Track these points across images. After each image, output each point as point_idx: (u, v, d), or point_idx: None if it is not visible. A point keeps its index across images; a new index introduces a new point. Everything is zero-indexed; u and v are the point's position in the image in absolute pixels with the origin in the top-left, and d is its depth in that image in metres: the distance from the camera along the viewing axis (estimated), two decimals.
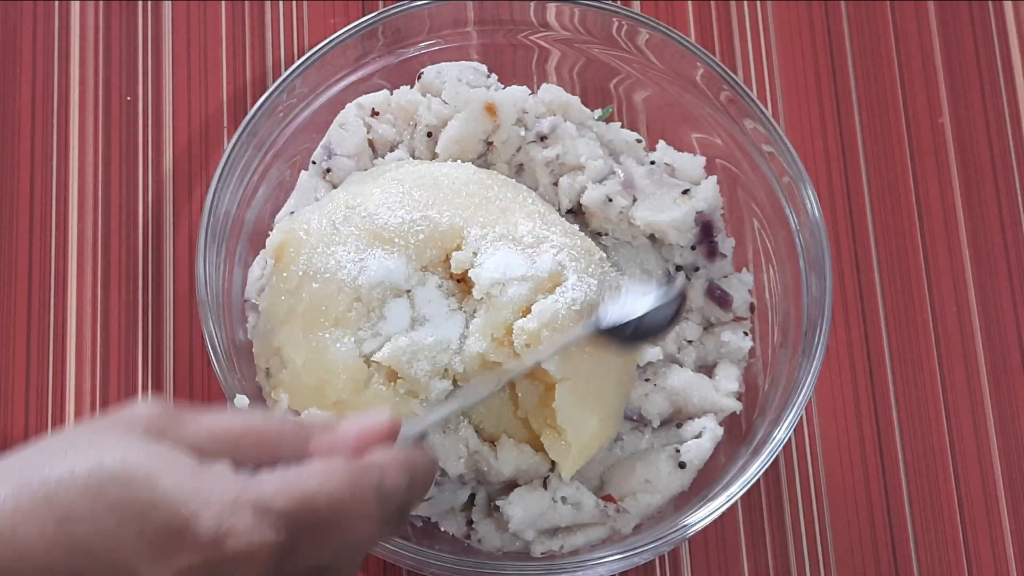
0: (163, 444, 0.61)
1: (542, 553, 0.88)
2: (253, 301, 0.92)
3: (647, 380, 0.91)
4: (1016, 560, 0.95)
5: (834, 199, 1.02)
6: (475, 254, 0.85)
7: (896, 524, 0.95)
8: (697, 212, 0.93)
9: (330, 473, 0.62)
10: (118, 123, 1.01)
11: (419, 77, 0.96)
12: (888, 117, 1.04)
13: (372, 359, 0.84)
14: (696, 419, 0.91)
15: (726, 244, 0.95)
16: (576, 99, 0.96)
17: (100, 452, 0.60)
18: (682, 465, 0.89)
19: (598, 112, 0.98)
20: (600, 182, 0.93)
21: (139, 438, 0.61)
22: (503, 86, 0.96)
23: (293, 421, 0.65)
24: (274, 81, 0.94)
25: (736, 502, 0.88)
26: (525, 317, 0.83)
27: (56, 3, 1.03)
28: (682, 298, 0.82)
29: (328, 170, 0.94)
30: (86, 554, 0.58)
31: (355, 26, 0.94)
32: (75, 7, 1.03)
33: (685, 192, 0.94)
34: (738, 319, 0.95)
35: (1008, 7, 1.07)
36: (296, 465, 0.62)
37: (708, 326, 0.95)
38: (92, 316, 0.96)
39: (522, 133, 0.94)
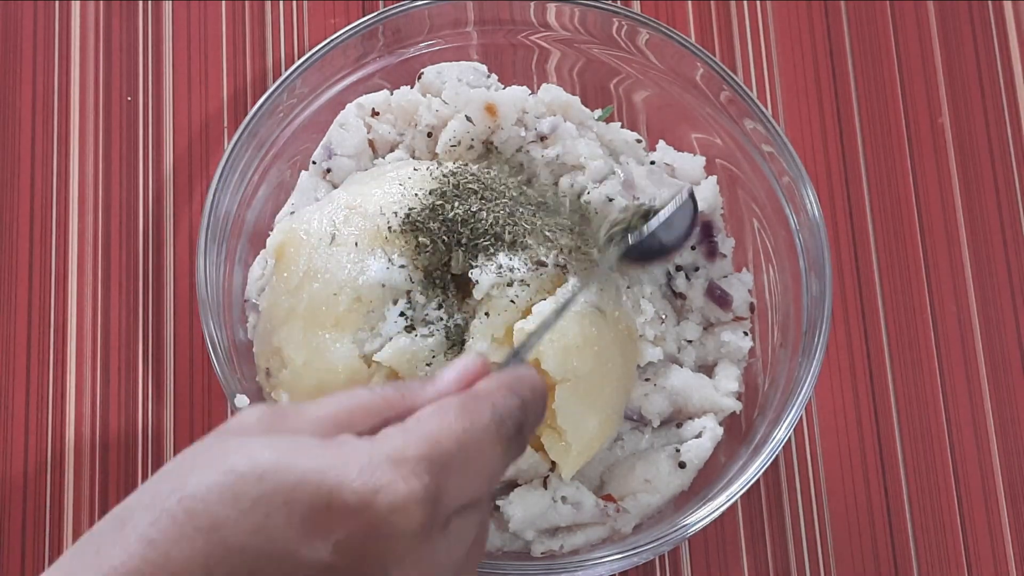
0: (283, 435, 0.61)
1: (542, 553, 0.88)
2: (253, 301, 0.92)
3: (647, 380, 0.91)
4: (1016, 560, 0.95)
5: (834, 199, 1.02)
6: (476, 255, 0.85)
7: (896, 524, 0.95)
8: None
9: (444, 412, 0.62)
10: (118, 123, 1.01)
11: (419, 77, 0.96)
12: (888, 117, 1.04)
13: (372, 359, 0.84)
14: (696, 419, 0.91)
15: (726, 244, 0.95)
16: (576, 99, 0.96)
17: (226, 458, 0.59)
18: (682, 465, 0.89)
19: (598, 112, 0.98)
20: (600, 182, 0.93)
21: (258, 436, 0.61)
22: (503, 86, 0.96)
23: (394, 385, 0.65)
24: (274, 81, 0.94)
25: (736, 502, 0.88)
26: (525, 318, 0.83)
27: (56, 3, 1.03)
28: (693, 204, 0.83)
29: (328, 170, 0.95)
30: (242, 553, 0.58)
31: (355, 26, 0.94)
32: (75, 7, 1.03)
33: None
34: (738, 319, 0.95)
35: (1008, 7, 1.07)
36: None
37: (708, 326, 0.95)
38: (92, 316, 0.97)
39: (522, 133, 0.94)
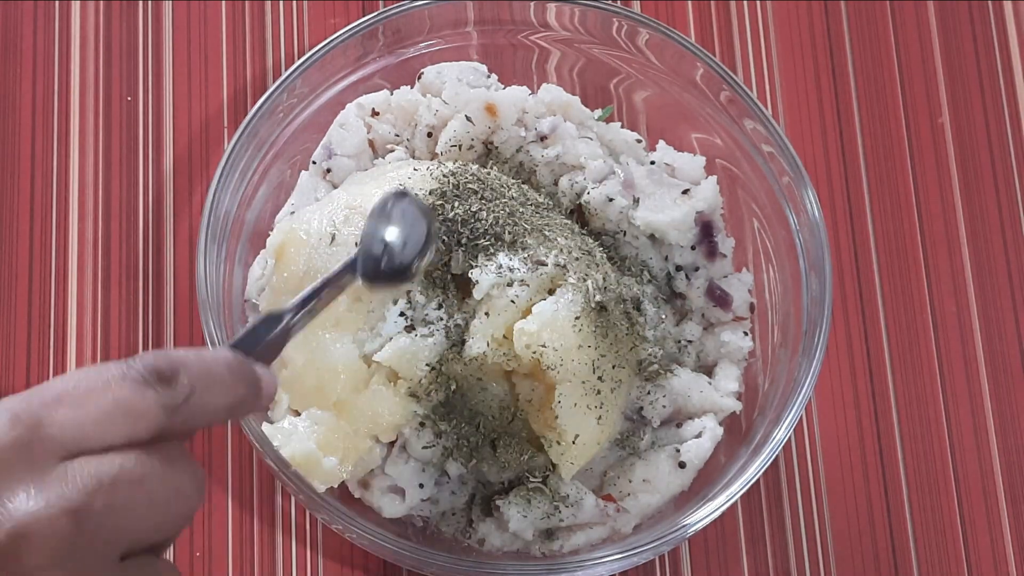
0: None
1: (542, 553, 0.88)
2: (253, 301, 0.92)
3: (647, 380, 0.91)
4: (1016, 560, 0.95)
5: (834, 199, 1.02)
6: (476, 255, 0.85)
7: (896, 524, 0.95)
8: (697, 212, 0.93)
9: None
10: (118, 123, 1.01)
11: (419, 77, 0.96)
12: (888, 117, 1.04)
13: (372, 359, 0.84)
14: (696, 419, 0.91)
15: (726, 244, 0.95)
16: (576, 99, 0.96)
17: None
18: (682, 465, 0.89)
19: (598, 112, 0.98)
20: (600, 182, 0.93)
21: None
22: (503, 86, 0.96)
23: None
24: (274, 81, 0.94)
25: (736, 502, 0.88)
26: (525, 318, 0.83)
27: (56, 3, 1.03)
28: (425, 220, 0.73)
29: (328, 170, 0.95)
30: None
31: (355, 26, 0.94)
32: (75, 7, 1.03)
33: (685, 192, 0.94)
34: (738, 319, 0.95)
35: (1008, 7, 1.07)
36: None
37: (708, 326, 0.95)
38: (92, 316, 0.97)
39: (522, 133, 0.94)
